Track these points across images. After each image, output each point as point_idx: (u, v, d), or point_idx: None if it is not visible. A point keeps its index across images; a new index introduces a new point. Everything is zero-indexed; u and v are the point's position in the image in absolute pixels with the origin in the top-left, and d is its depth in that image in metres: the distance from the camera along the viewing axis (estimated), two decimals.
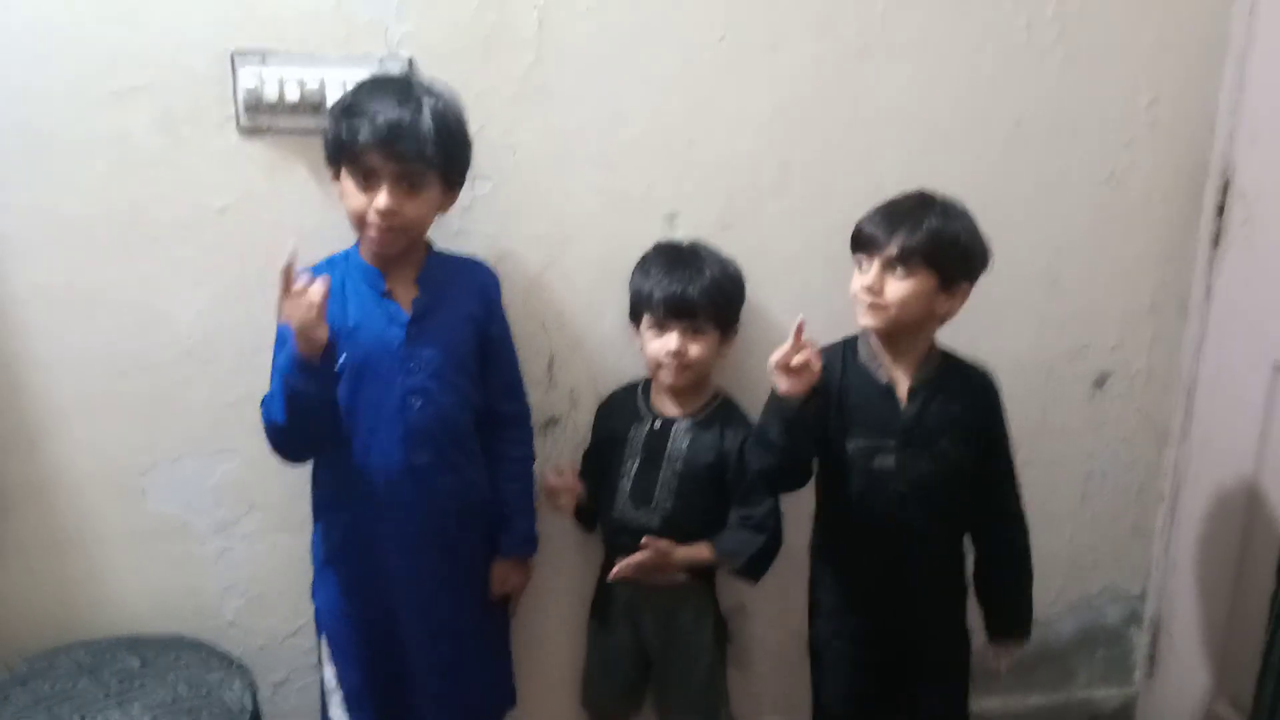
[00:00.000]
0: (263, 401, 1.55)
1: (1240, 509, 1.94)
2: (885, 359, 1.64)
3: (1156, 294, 2.03)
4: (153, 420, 1.74)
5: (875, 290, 1.56)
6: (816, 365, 1.51)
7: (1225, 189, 1.96)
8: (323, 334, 1.43)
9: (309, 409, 1.49)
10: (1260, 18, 1.89)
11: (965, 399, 1.65)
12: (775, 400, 1.54)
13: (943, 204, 1.60)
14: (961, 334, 1.69)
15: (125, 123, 1.63)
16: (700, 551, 1.73)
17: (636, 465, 1.76)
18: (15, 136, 1.61)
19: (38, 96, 1.61)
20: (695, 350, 1.70)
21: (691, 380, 1.74)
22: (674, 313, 1.69)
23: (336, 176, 1.55)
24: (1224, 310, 1.99)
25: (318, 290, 1.40)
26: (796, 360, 1.49)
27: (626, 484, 1.76)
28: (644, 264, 1.76)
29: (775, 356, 1.50)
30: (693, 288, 1.69)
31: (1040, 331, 1.99)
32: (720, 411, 1.78)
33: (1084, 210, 1.95)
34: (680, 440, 1.75)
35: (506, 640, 1.83)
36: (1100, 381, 2.05)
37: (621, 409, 1.81)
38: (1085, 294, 2.00)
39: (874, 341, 1.64)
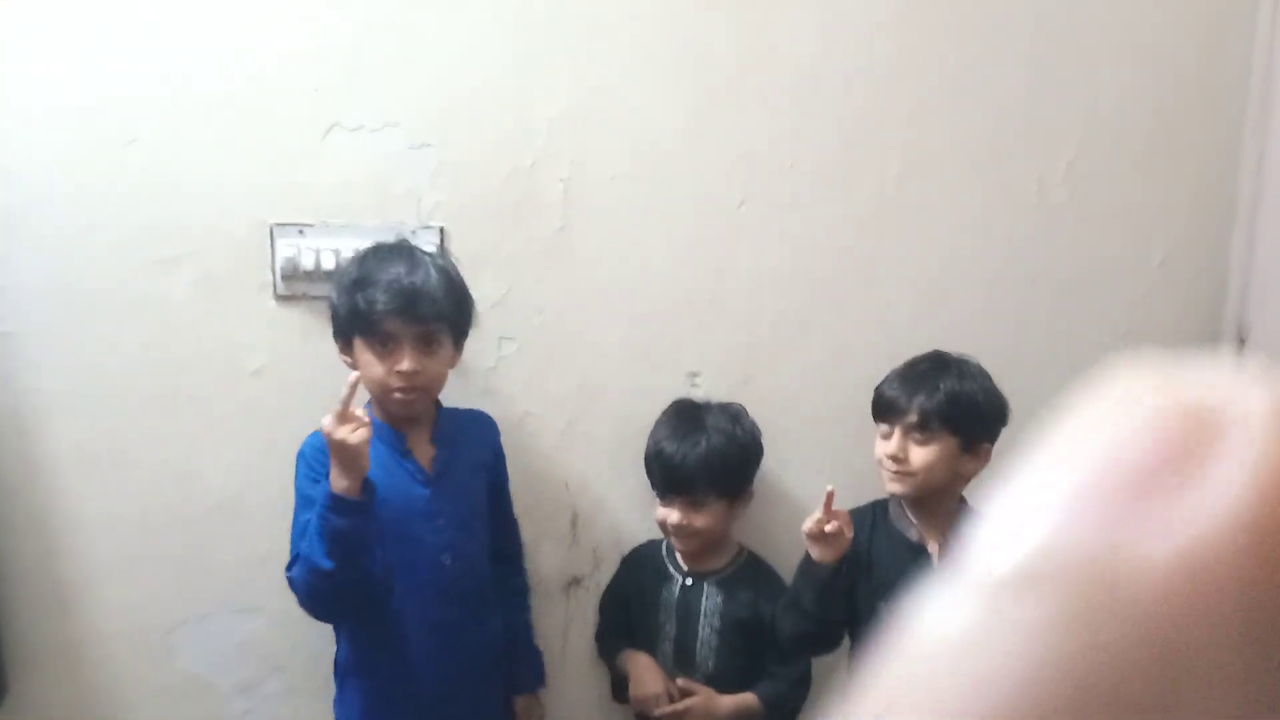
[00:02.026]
0: (290, 563, 1.55)
1: None
2: (915, 519, 1.64)
3: None
4: (181, 578, 1.77)
5: (899, 459, 1.57)
6: (849, 533, 1.52)
7: (1240, 345, 1.98)
8: (365, 463, 1.45)
9: (353, 548, 1.48)
10: (1267, 177, 1.93)
11: None
12: (808, 567, 1.55)
13: (958, 364, 1.62)
14: (975, 497, 1.70)
15: (167, 287, 1.70)
16: (746, 699, 1.71)
17: (674, 626, 1.75)
18: (61, 300, 1.69)
19: (84, 261, 1.69)
20: (699, 522, 1.69)
21: (700, 546, 1.74)
22: (671, 487, 1.70)
23: (345, 350, 1.58)
24: None
25: (365, 420, 1.43)
26: (829, 528, 1.51)
27: (669, 647, 1.74)
28: (656, 426, 1.77)
29: (807, 525, 1.52)
30: (691, 458, 1.68)
31: None
32: (748, 568, 1.78)
33: (1099, 368, 1.96)
34: (714, 598, 1.74)
35: None
36: None
37: (648, 565, 1.81)
38: None
39: (903, 503, 1.65)
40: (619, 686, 1.82)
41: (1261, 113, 1.93)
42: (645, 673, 1.74)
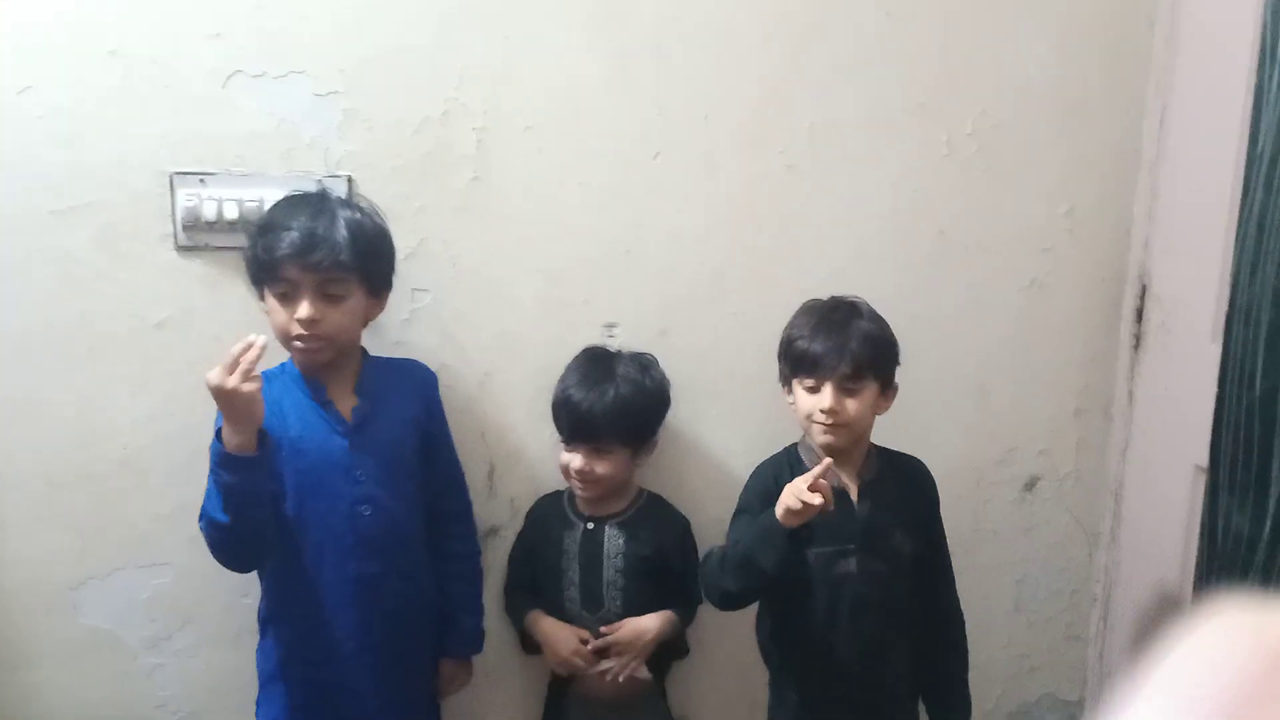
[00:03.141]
0: (200, 514, 1.54)
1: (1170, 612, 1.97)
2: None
3: (1082, 398, 2.08)
4: (87, 533, 1.74)
5: (836, 411, 1.57)
6: (829, 506, 1.48)
7: (1143, 294, 2.03)
8: (258, 416, 1.44)
9: (246, 502, 1.48)
10: (1170, 131, 1.98)
11: (908, 491, 1.69)
12: (774, 531, 1.51)
13: (859, 306, 1.64)
14: (892, 443, 1.73)
15: (66, 239, 1.66)
16: (665, 614, 1.75)
17: (579, 571, 1.76)
18: None
19: None
20: (601, 469, 1.71)
21: (601, 493, 1.75)
22: (576, 433, 1.71)
23: (263, 297, 1.57)
24: (1146, 413, 2.04)
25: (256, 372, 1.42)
26: (814, 500, 1.46)
27: (574, 592, 1.76)
28: (565, 372, 1.77)
29: (799, 485, 1.47)
30: (598, 406, 1.68)
31: (969, 438, 2.02)
32: (648, 508, 1.80)
33: (1008, 317, 2.01)
34: (616, 540, 1.76)
35: None
36: (1029, 486, 2.09)
37: (550, 514, 1.82)
38: (1012, 400, 2.04)
39: (818, 448, 1.65)
40: (526, 641, 1.84)
41: (1165, 67, 1.97)
42: (556, 636, 1.75)
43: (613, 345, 1.84)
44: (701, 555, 1.73)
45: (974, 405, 2.02)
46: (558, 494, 1.84)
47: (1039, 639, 2.15)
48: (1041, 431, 2.07)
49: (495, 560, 1.88)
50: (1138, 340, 2.05)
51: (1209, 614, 0.24)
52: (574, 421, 1.70)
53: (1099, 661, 2.17)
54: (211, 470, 1.49)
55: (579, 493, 1.76)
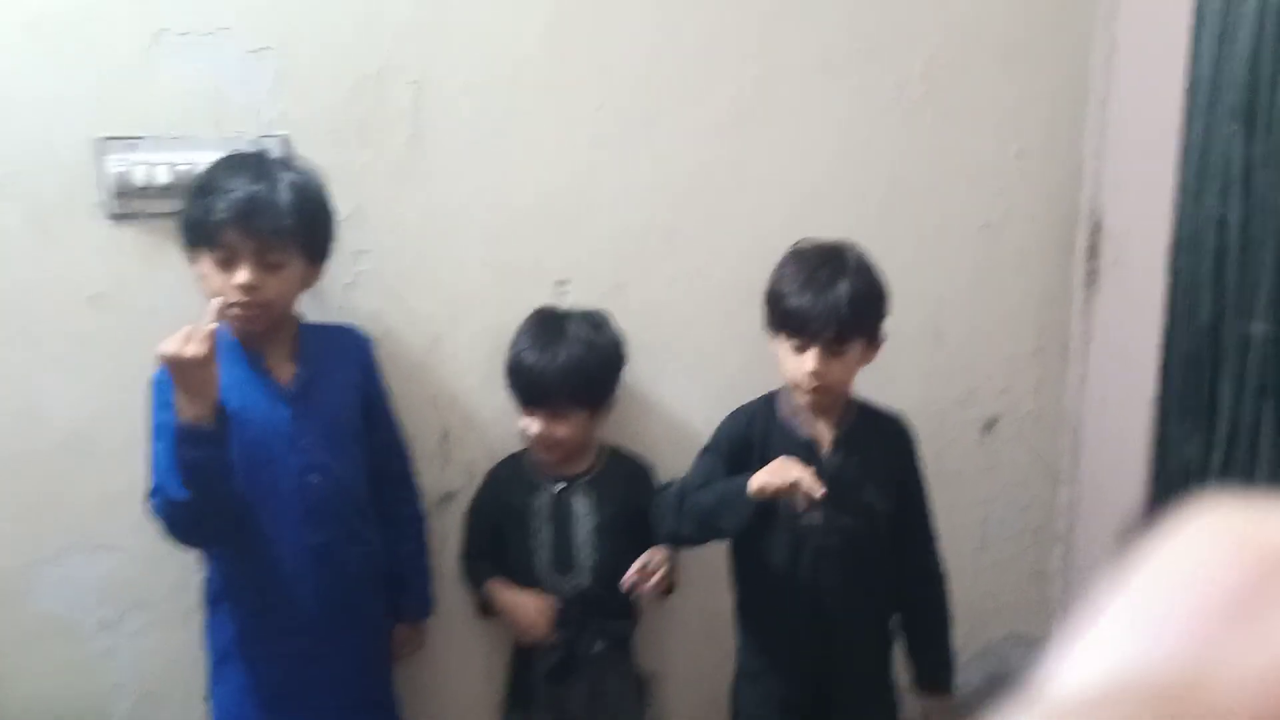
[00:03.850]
0: (152, 492, 1.48)
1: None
2: (806, 414, 1.63)
3: (1039, 337, 2.08)
4: (31, 518, 1.69)
5: (821, 375, 1.53)
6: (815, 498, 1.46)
7: (1096, 231, 2.03)
8: (213, 385, 1.39)
9: (209, 477, 1.42)
10: (1116, 68, 1.97)
11: (884, 447, 1.66)
12: (742, 499, 1.48)
13: (849, 255, 1.58)
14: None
15: None
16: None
17: (550, 533, 1.73)
18: None
19: None
20: (561, 432, 1.67)
21: (563, 456, 1.72)
22: (532, 398, 1.68)
23: (194, 261, 1.52)
24: (1102, 350, 2.04)
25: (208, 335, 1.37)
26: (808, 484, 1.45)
27: (545, 554, 1.73)
28: (517, 335, 1.73)
29: (790, 470, 1.45)
30: (551, 370, 1.64)
31: (928, 381, 2.02)
32: (614, 465, 1.77)
33: (963, 260, 2.01)
34: (585, 499, 1.73)
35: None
36: (989, 426, 2.09)
37: (512, 478, 1.79)
38: (970, 341, 2.04)
39: (796, 398, 1.62)
40: (485, 606, 1.81)
41: (1111, 5, 1.96)
42: (518, 603, 1.72)
43: (564, 304, 1.81)
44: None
45: (932, 348, 2.01)
46: (517, 457, 1.80)
47: (1003, 578, 2.16)
48: (1000, 371, 2.07)
49: (452, 526, 1.85)
50: (1091, 278, 2.05)
51: (1187, 517, 0.21)
52: (528, 387, 1.67)
53: (1063, 598, 2.18)
54: (167, 446, 1.43)
55: (541, 456, 1.73)
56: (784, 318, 1.56)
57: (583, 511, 1.73)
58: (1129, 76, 1.95)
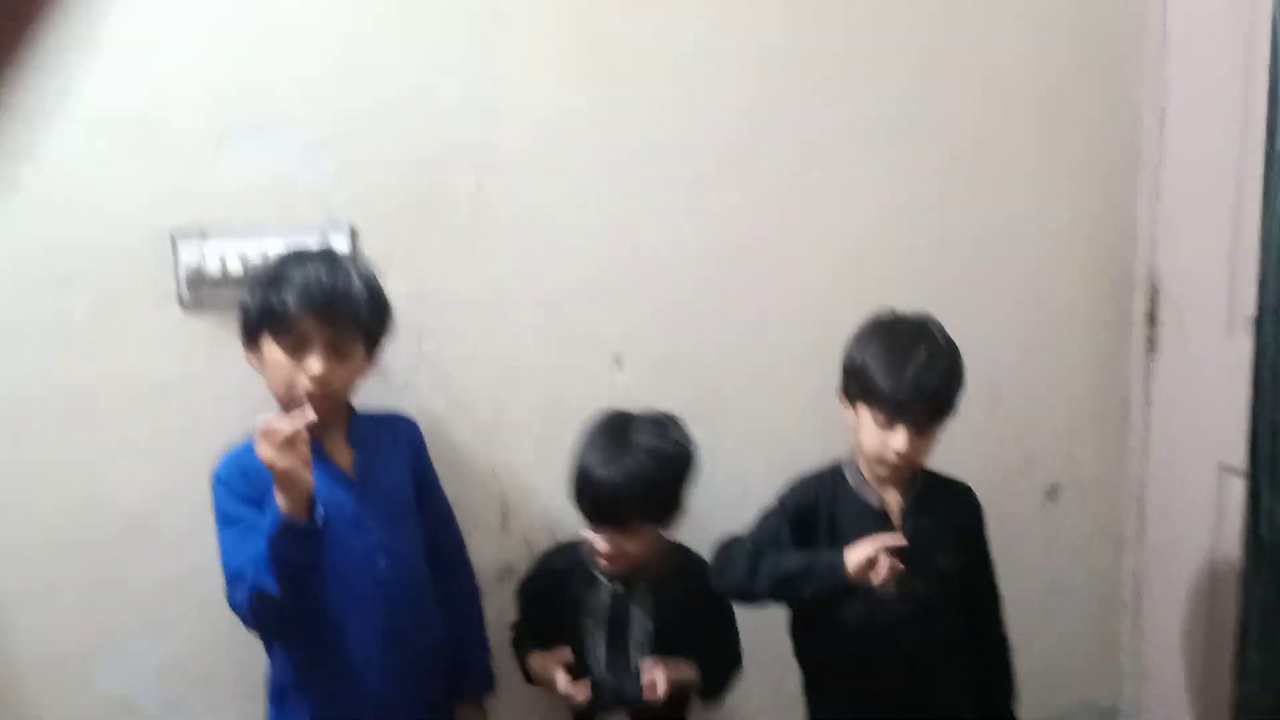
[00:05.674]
0: (231, 582, 1.48)
1: (1202, 611, 1.94)
2: (875, 482, 1.62)
3: (1098, 403, 2.06)
4: (96, 601, 1.71)
5: (910, 456, 1.53)
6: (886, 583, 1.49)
7: (1154, 296, 2.01)
8: (307, 481, 1.38)
9: (304, 575, 1.42)
10: (1169, 130, 1.97)
11: (953, 514, 1.66)
12: (833, 573, 1.49)
13: (940, 333, 1.58)
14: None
15: (65, 305, 1.64)
16: (688, 670, 1.68)
17: (605, 633, 1.69)
18: None
19: None
20: (631, 548, 1.63)
21: (632, 566, 1.67)
22: (600, 518, 1.62)
23: (252, 350, 1.54)
24: (1165, 414, 2.02)
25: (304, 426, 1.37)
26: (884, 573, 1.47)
27: (601, 652, 1.69)
28: (582, 449, 1.64)
29: (876, 549, 1.47)
30: (621, 490, 1.57)
31: (986, 448, 1.99)
32: (677, 565, 1.72)
33: (1019, 327, 2.00)
34: (645, 601, 1.69)
35: None
36: (1052, 494, 2.07)
37: (572, 569, 1.73)
38: (1028, 408, 2.03)
39: (863, 466, 1.62)
40: (527, 674, 1.76)
41: (1159, 64, 1.96)
42: (548, 670, 1.68)
43: (620, 378, 1.83)
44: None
45: (988, 415, 1.99)
46: (574, 546, 1.75)
47: (1072, 646, 2.12)
48: (1060, 438, 2.05)
49: (509, 599, 1.83)
50: (1151, 342, 2.03)
51: None
52: (595, 504, 1.61)
53: (1133, 665, 2.14)
54: (266, 540, 1.40)
55: (607, 569, 1.68)
56: (873, 395, 1.54)
57: (640, 615, 1.69)
58: (1181, 140, 1.95)
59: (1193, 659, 1.97)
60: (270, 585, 1.41)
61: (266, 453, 1.35)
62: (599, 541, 1.62)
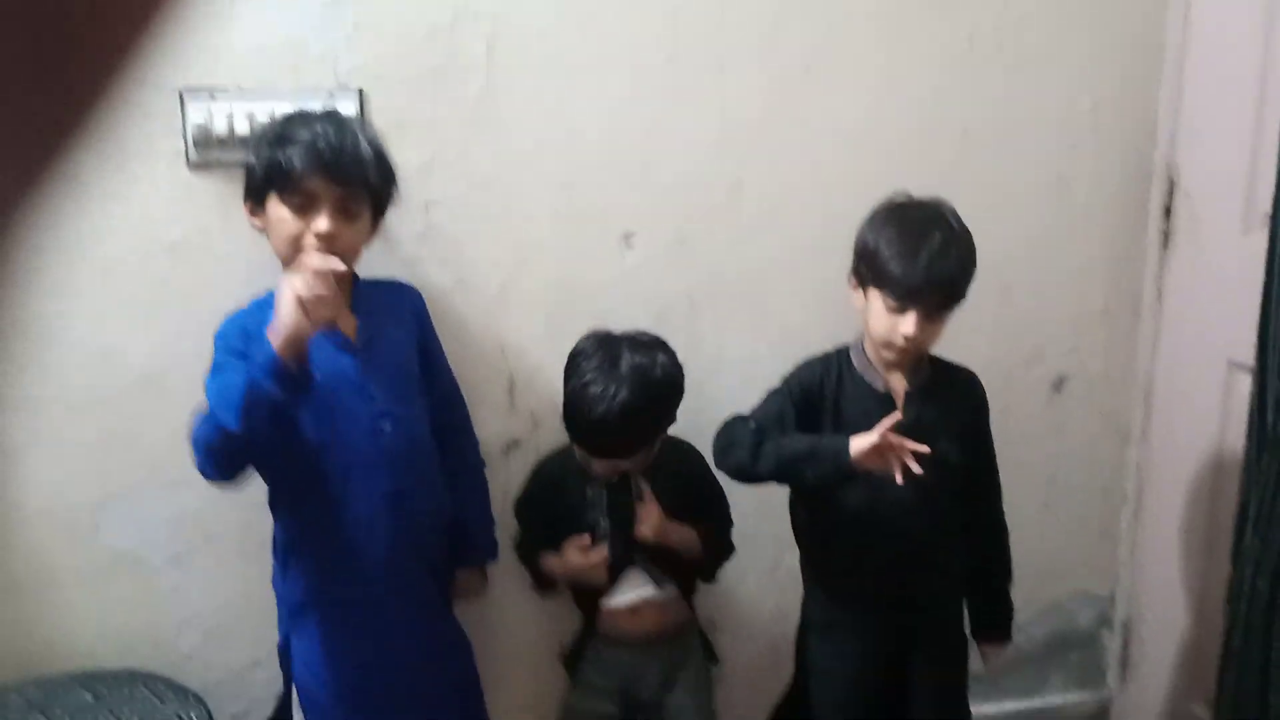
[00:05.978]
0: (200, 421, 1.43)
1: (1203, 506, 1.95)
2: (881, 367, 1.62)
3: (1109, 296, 2.05)
4: (105, 455, 1.73)
5: (919, 340, 1.53)
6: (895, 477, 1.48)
7: (1171, 190, 1.99)
8: (328, 315, 1.38)
9: (272, 417, 1.39)
10: (1194, 22, 1.93)
11: (958, 401, 1.66)
12: (841, 457, 1.48)
13: (955, 220, 1.55)
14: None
15: (75, 159, 1.63)
16: (688, 532, 1.72)
17: (608, 525, 1.71)
18: None
19: None
20: (627, 465, 1.68)
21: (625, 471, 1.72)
22: (596, 452, 1.67)
23: (256, 211, 1.52)
24: (1176, 310, 2.01)
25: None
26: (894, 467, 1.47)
27: (604, 546, 1.71)
28: (569, 378, 1.66)
29: (883, 436, 1.46)
30: (615, 427, 1.59)
31: (995, 338, 1.99)
32: (668, 453, 1.74)
33: (1033, 216, 1.98)
34: (639, 488, 1.71)
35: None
36: (1058, 385, 2.07)
37: (565, 474, 1.76)
38: (1039, 298, 2.02)
39: (869, 351, 1.62)
40: (540, 581, 1.81)
41: None
42: (570, 562, 1.71)
43: (628, 261, 1.83)
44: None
45: (999, 305, 1.99)
46: (565, 452, 1.79)
47: (1070, 536, 2.14)
48: (1069, 330, 2.05)
49: (516, 473, 1.86)
50: (1166, 237, 2.01)
51: None
52: (590, 440, 1.66)
53: (1130, 557, 2.16)
54: (247, 375, 1.37)
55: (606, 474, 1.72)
56: (885, 279, 1.53)
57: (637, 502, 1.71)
58: (1205, 31, 1.91)
59: (1191, 553, 1.99)
60: (231, 419, 1.37)
61: (300, 286, 1.33)
62: (599, 464, 1.68)
